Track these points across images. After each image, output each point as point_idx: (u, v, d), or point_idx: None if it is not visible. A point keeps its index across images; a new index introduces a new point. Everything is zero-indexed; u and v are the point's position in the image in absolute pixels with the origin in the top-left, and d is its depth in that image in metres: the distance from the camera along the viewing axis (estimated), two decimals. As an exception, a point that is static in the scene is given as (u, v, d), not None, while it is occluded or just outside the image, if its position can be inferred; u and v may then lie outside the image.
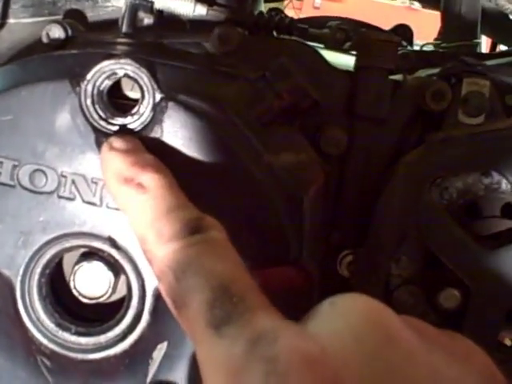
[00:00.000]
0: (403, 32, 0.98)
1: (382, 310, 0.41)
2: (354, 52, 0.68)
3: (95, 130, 0.55)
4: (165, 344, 0.57)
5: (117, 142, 0.53)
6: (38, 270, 0.57)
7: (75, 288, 0.58)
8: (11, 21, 0.68)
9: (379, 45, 0.61)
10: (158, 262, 0.47)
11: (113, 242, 0.56)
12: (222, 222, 0.49)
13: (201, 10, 0.64)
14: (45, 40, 0.62)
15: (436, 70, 0.71)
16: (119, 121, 0.55)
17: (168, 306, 0.47)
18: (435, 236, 0.63)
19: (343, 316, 0.41)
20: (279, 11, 0.93)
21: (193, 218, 0.48)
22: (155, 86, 0.55)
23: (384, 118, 0.63)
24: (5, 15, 0.67)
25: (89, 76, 0.55)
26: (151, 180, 0.50)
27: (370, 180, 0.64)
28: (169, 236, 0.47)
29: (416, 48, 1.03)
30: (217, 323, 0.41)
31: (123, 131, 0.55)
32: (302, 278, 0.58)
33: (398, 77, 0.65)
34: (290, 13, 1.99)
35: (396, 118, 0.64)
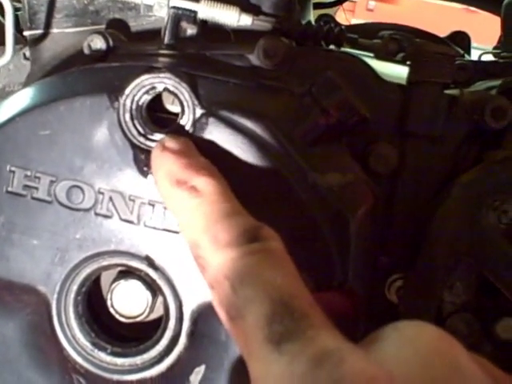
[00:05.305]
0: (460, 39, 0.94)
1: (451, 341, 0.40)
2: (407, 63, 0.64)
3: (133, 146, 0.54)
4: (202, 367, 0.56)
5: (170, 142, 0.51)
6: (75, 287, 0.56)
7: (112, 306, 0.57)
8: (54, 30, 0.67)
9: (435, 58, 0.56)
10: (213, 270, 0.44)
11: (150, 262, 0.55)
12: None
13: (246, 20, 0.61)
14: (86, 51, 0.61)
15: (495, 83, 0.67)
16: (158, 137, 0.53)
17: (220, 318, 0.44)
18: (492, 262, 0.60)
19: (411, 343, 0.39)
20: (330, 17, 0.90)
21: (251, 225, 0.45)
22: (196, 102, 0.53)
23: (438, 136, 0.59)
24: (48, 25, 0.67)
25: (127, 90, 0.53)
26: (206, 184, 0.47)
27: (422, 201, 0.60)
28: (225, 242, 0.44)
29: (473, 53, 0.98)
30: (276, 339, 0.39)
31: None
32: (347, 304, 0.55)
33: (455, 91, 0.60)
34: (343, 16, 1.95)
35: (451, 135, 0.60)
